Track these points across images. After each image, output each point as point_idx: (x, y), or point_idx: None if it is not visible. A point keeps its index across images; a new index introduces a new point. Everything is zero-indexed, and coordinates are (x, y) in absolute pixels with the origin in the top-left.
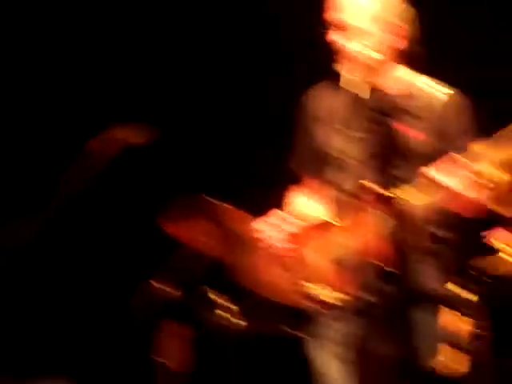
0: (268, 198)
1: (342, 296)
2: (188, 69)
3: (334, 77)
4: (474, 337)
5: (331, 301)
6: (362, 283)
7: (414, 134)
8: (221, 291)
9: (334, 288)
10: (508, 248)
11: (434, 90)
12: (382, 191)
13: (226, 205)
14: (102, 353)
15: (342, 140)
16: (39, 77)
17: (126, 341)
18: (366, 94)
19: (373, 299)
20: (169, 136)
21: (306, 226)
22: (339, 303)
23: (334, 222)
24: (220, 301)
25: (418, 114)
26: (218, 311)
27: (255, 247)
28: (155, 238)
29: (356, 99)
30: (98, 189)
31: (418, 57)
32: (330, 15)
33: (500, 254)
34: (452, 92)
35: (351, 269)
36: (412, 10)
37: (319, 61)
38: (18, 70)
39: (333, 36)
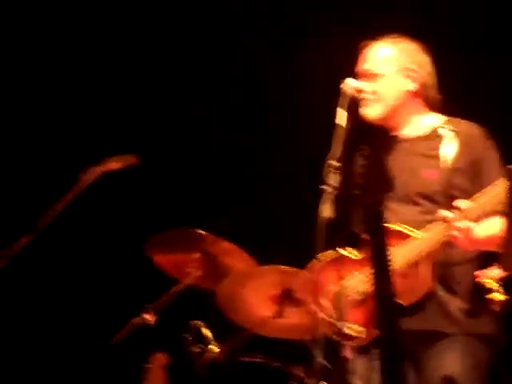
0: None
1: (365, 330)
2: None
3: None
4: None
5: (357, 335)
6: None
7: (431, 174)
8: (210, 325)
9: (359, 323)
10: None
11: (450, 128)
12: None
13: (214, 236)
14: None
15: None
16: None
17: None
18: (386, 137)
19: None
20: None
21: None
22: (364, 337)
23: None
24: (211, 337)
25: (433, 153)
26: (209, 347)
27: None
28: (141, 267)
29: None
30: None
31: (434, 101)
32: (357, 67)
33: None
34: (471, 124)
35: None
36: (428, 58)
37: None
38: None
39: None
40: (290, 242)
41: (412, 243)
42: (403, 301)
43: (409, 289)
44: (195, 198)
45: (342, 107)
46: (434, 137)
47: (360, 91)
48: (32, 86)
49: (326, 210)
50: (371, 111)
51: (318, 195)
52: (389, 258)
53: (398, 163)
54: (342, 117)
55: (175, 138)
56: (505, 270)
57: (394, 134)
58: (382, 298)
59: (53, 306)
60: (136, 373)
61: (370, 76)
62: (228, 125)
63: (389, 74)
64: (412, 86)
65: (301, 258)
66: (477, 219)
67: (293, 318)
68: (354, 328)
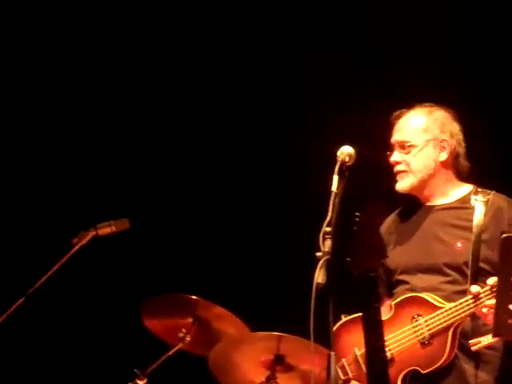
0: None
1: None
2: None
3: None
4: None
5: None
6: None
7: (460, 245)
8: None
9: None
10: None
11: (479, 199)
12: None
13: (206, 301)
14: None
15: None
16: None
17: None
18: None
19: None
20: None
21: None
22: None
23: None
24: None
25: (463, 224)
26: None
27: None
28: (132, 332)
29: (407, 212)
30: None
31: (463, 170)
32: (391, 138)
33: None
34: (500, 196)
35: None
36: (459, 126)
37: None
38: None
39: (390, 157)
40: (283, 307)
41: (437, 313)
42: (422, 368)
43: (429, 357)
44: (188, 263)
45: (337, 174)
46: (463, 207)
47: (351, 157)
48: (27, 150)
49: (319, 276)
50: (403, 184)
51: (313, 261)
52: (380, 325)
53: (428, 232)
54: (336, 183)
55: (167, 202)
56: (494, 335)
57: (424, 203)
58: (374, 372)
59: (43, 371)
60: None
61: (402, 146)
62: (221, 188)
63: (421, 144)
64: (444, 156)
65: (293, 323)
66: None
67: (285, 383)
68: None
